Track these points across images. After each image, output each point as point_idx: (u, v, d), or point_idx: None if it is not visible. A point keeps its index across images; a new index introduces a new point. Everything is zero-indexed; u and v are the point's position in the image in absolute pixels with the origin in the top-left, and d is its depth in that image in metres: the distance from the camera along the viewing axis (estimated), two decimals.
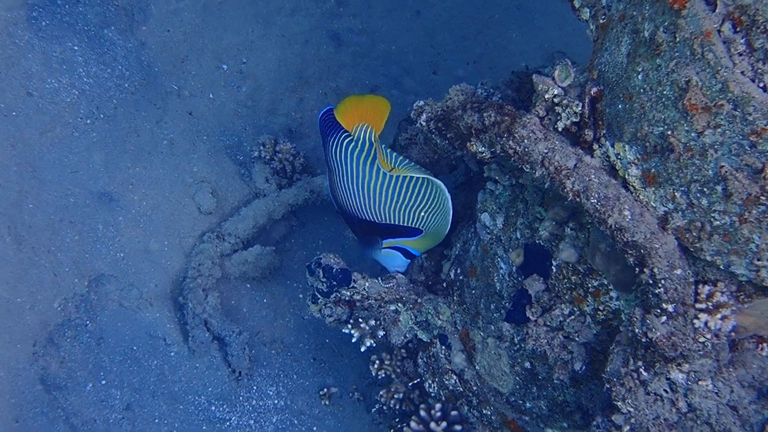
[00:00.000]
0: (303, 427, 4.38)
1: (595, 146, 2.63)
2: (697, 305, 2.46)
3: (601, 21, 2.67)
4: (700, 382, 2.55)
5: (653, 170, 2.41)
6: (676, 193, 2.36)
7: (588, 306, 2.89)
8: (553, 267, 2.98)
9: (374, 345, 3.66)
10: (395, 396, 3.88)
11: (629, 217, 2.44)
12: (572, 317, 2.95)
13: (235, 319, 4.53)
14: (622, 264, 2.64)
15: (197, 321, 4.34)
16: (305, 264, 3.68)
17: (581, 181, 2.53)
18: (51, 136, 4.38)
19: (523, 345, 3.17)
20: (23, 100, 4.33)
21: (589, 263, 2.83)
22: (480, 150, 2.89)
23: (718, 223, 2.28)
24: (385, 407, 3.97)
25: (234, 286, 4.62)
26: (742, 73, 2.13)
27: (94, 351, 4.27)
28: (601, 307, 2.85)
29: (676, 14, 2.22)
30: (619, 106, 2.49)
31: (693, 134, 2.24)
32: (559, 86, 2.72)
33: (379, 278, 3.61)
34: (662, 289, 2.43)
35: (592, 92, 2.64)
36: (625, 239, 2.46)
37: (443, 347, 3.57)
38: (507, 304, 3.22)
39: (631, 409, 2.63)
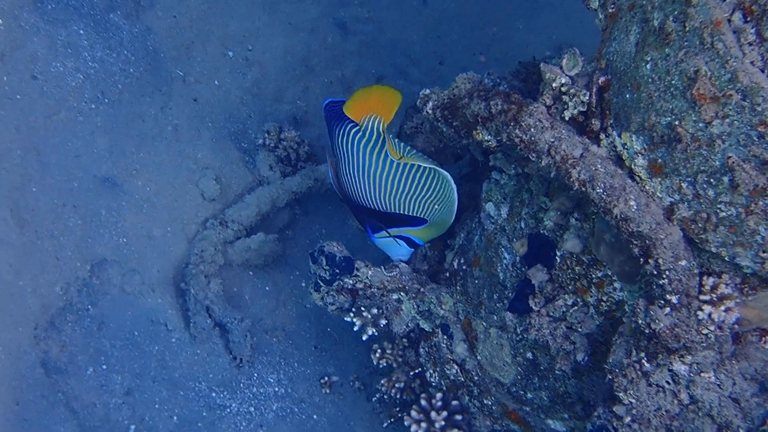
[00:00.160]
0: (303, 414, 4.38)
1: (602, 136, 2.62)
2: (701, 297, 2.45)
3: (610, 10, 2.65)
4: (702, 374, 2.54)
5: (660, 160, 2.40)
6: (682, 184, 2.35)
7: (591, 297, 2.88)
8: (557, 257, 2.97)
9: (376, 334, 3.66)
10: (396, 385, 3.88)
11: (635, 207, 2.44)
12: (575, 308, 2.95)
13: (237, 306, 4.53)
14: (627, 255, 2.63)
15: (199, 307, 4.33)
16: (308, 252, 3.68)
17: (587, 171, 2.52)
18: (55, 120, 4.36)
19: (525, 335, 3.16)
20: (28, 84, 4.31)
21: (593, 254, 2.82)
22: (486, 138, 2.88)
23: (724, 214, 2.28)
24: (385, 396, 3.96)
25: (236, 273, 4.61)
26: (752, 63, 2.12)
27: (96, 336, 4.27)
28: (604, 298, 2.85)
29: (686, 3, 2.21)
30: (627, 96, 2.48)
31: (701, 124, 2.23)
32: (566, 75, 2.71)
33: (382, 267, 3.61)
34: (666, 280, 2.42)
35: (599, 81, 2.63)
36: (630, 229, 2.45)
37: (445, 337, 3.57)
38: (510, 294, 3.21)
39: (633, 401, 2.63)
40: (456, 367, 3.56)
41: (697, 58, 2.20)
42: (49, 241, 4.21)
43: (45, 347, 4.14)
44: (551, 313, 3.02)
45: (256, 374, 4.43)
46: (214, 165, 4.67)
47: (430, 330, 3.64)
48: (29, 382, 4.04)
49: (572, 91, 2.68)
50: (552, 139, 2.61)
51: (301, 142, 4.75)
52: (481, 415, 3.58)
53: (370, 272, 3.56)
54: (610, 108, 2.59)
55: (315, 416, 4.38)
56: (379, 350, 3.87)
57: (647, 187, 2.46)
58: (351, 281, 3.56)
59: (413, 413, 3.59)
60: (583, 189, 2.54)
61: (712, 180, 2.27)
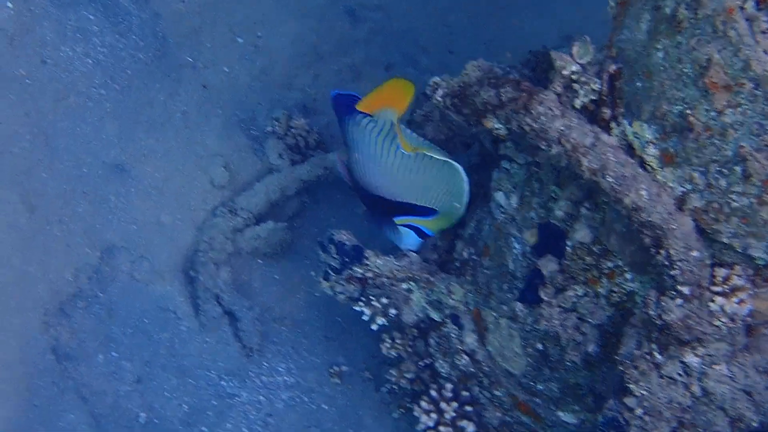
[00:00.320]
0: (313, 404, 4.37)
1: (613, 125, 2.60)
2: (713, 288, 2.44)
3: None
4: (714, 366, 2.52)
5: (671, 150, 2.38)
6: (694, 174, 2.33)
7: (602, 287, 2.86)
8: (567, 247, 2.95)
9: (386, 323, 3.65)
10: (406, 375, 3.87)
11: (646, 196, 2.42)
12: (586, 298, 2.93)
13: (246, 294, 4.51)
14: (638, 245, 2.60)
15: (208, 295, 4.33)
16: (317, 240, 3.66)
17: (598, 160, 2.50)
18: (64, 105, 4.35)
19: (535, 326, 3.14)
20: (38, 68, 4.29)
21: (604, 244, 2.80)
22: (496, 126, 2.85)
23: (736, 204, 2.26)
24: (395, 386, 3.96)
25: (246, 262, 4.60)
26: (765, 51, 2.09)
27: (105, 322, 4.26)
28: (615, 289, 2.83)
29: None
30: (638, 84, 2.46)
31: (713, 113, 2.21)
32: (577, 63, 2.69)
33: (392, 256, 3.59)
34: (678, 270, 2.40)
35: (610, 70, 2.61)
36: (641, 219, 2.43)
37: (455, 327, 3.55)
38: (520, 284, 3.19)
39: (644, 392, 2.61)
40: (466, 357, 3.55)
41: (709, 46, 2.17)
42: (59, 226, 4.20)
43: (55, 333, 4.13)
44: (562, 304, 3.00)
45: (265, 363, 4.42)
46: (223, 152, 4.66)
47: (440, 320, 3.63)
48: (39, 369, 4.04)
49: (583, 79, 2.66)
50: (562, 128, 2.58)
51: (311, 130, 4.73)
52: (491, 407, 3.57)
53: (379, 261, 3.54)
54: (622, 96, 2.57)
55: (325, 406, 4.37)
56: (388, 340, 3.86)
57: (659, 177, 2.44)
58: (360, 270, 3.55)
59: (423, 404, 3.59)
60: (594, 178, 2.52)
61: (724, 170, 2.25)
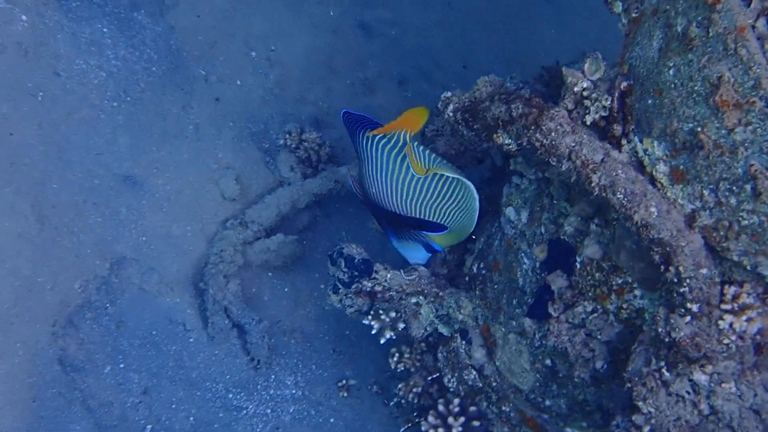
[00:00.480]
0: (320, 418, 4.37)
1: (624, 141, 2.60)
2: (723, 306, 2.43)
3: (633, 15, 2.63)
4: (723, 385, 2.51)
5: (682, 167, 2.37)
6: (704, 191, 2.33)
7: (611, 304, 2.86)
8: (577, 263, 2.95)
9: (394, 337, 3.64)
10: (414, 390, 3.87)
11: (656, 213, 2.41)
12: (595, 315, 2.92)
13: (256, 307, 4.52)
14: (647, 262, 2.60)
15: (217, 307, 4.33)
16: (327, 253, 3.67)
17: (608, 176, 2.50)
18: (77, 117, 4.37)
19: (544, 341, 3.14)
20: (51, 81, 4.32)
21: (613, 260, 2.79)
22: (506, 142, 2.85)
23: (746, 222, 2.25)
24: (403, 401, 3.96)
25: (255, 274, 4.61)
26: None
27: (114, 334, 4.27)
28: (624, 306, 2.82)
29: (710, 9, 2.19)
30: (649, 101, 2.46)
31: (723, 131, 2.21)
32: (588, 79, 2.69)
33: (402, 270, 3.59)
34: (687, 288, 2.39)
35: (622, 86, 2.61)
36: (650, 236, 2.43)
37: (464, 342, 3.55)
38: (529, 299, 3.19)
39: (652, 410, 2.60)
40: (474, 372, 3.54)
41: (720, 64, 2.17)
42: (69, 237, 4.21)
43: (63, 344, 4.13)
44: (570, 320, 3.00)
45: (273, 376, 4.42)
46: (234, 165, 4.68)
47: (449, 335, 3.62)
48: (46, 379, 4.04)
49: (594, 95, 2.66)
50: (573, 144, 2.58)
51: (323, 144, 4.74)
52: (498, 422, 3.56)
53: (389, 275, 3.54)
54: (632, 113, 2.57)
55: (332, 419, 4.37)
56: (397, 354, 3.86)
57: (668, 194, 2.44)
58: (369, 284, 3.54)
59: (430, 418, 3.58)
60: (604, 194, 2.51)
61: (734, 188, 2.24)
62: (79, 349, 4.18)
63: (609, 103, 2.64)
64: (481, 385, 3.54)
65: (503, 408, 3.50)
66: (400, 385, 3.92)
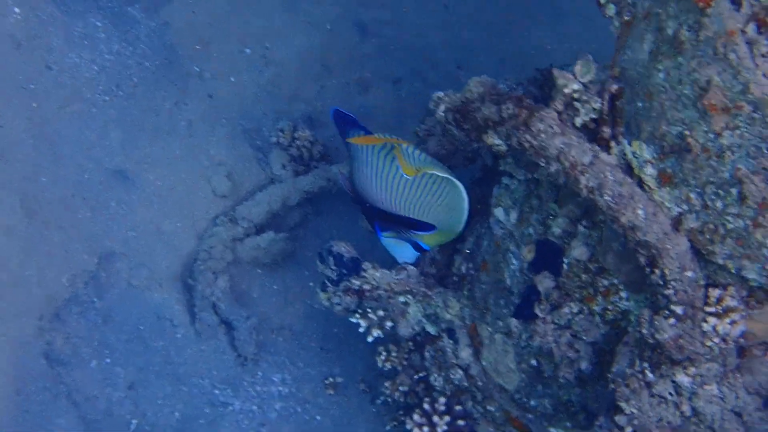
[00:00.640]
0: (307, 415, 4.37)
1: (612, 144, 2.61)
2: (707, 308, 2.44)
3: (625, 18, 2.64)
4: (705, 387, 2.53)
5: (669, 170, 2.39)
6: (690, 194, 2.34)
7: (597, 305, 2.87)
8: (564, 264, 2.96)
9: (382, 336, 3.65)
10: (400, 388, 3.87)
11: (642, 216, 2.42)
12: (581, 316, 2.93)
13: (245, 304, 4.52)
14: (634, 264, 2.61)
15: (205, 304, 4.33)
16: (316, 251, 3.67)
17: (596, 178, 2.51)
18: (69, 111, 4.36)
19: (530, 342, 3.15)
20: (43, 74, 4.31)
21: (600, 262, 2.81)
22: (496, 143, 2.86)
23: (731, 226, 2.26)
24: (390, 399, 3.96)
25: (245, 271, 4.61)
26: (765, 75, 2.10)
27: (101, 328, 4.26)
28: (610, 307, 2.83)
29: (700, 12, 2.19)
30: (639, 104, 2.47)
31: (711, 135, 2.22)
32: (579, 81, 2.70)
33: (390, 269, 3.60)
34: (672, 290, 2.40)
35: (612, 89, 2.62)
36: (637, 238, 2.44)
37: (450, 341, 3.56)
38: (516, 300, 3.20)
39: (635, 410, 2.61)
40: (461, 372, 3.55)
41: (709, 68, 2.18)
42: (58, 232, 4.20)
43: (49, 338, 4.12)
44: (556, 321, 3.01)
45: (260, 373, 4.42)
46: (226, 162, 4.67)
47: (436, 334, 3.63)
48: (32, 373, 4.03)
49: (584, 97, 2.66)
50: (562, 145, 2.59)
51: (315, 142, 4.74)
52: (484, 421, 3.57)
53: (377, 274, 3.54)
54: (622, 116, 2.58)
55: (318, 417, 4.36)
56: (384, 353, 3.86)
57: (656, 197, 2.45)
58: (358, 282, 3.55)
59: (416, 417, 3.58)
60: (591, 196, 2.52)
61: (720, 191, 2.25)
62: (66, 344, 4.17)
63: (599, 105, 2.65)
64: (467, 384, 3.54)
65: (488, 407, 3.50)
66: (386, 384, 3.92)
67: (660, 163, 2.42)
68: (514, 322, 3.20)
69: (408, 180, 3.37)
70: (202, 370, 4.34)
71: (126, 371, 4.24)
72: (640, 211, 2.43)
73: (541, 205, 3.07)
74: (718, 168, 2.23)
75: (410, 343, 3.82)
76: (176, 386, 4.28)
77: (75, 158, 4.32)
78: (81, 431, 4.07)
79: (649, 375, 2.57)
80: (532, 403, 3.28)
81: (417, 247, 3.68)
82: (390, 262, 3.72)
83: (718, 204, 2.27)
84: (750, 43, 2.11)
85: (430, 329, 3.62)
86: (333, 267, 3.56)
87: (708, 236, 2.34)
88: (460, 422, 3.53)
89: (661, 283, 2.42)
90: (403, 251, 3.71)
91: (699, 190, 2.31)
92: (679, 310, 2.41)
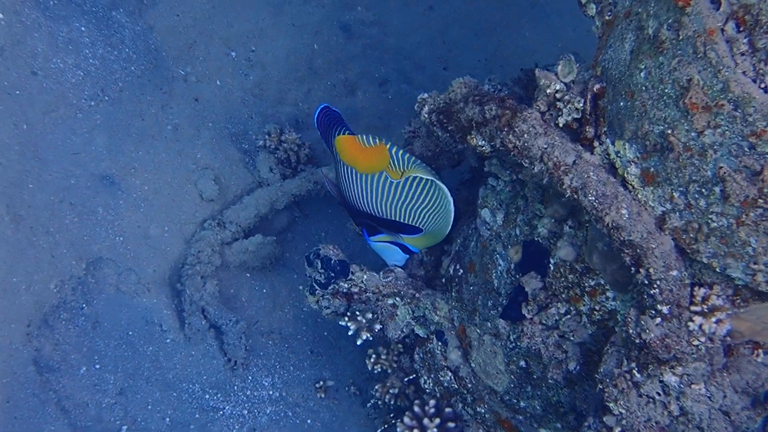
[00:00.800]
0: (297, 419, 4.36)
1: (596, 143, 2.60)
2: (692, 308, 2.43)
3: (606, 17, 2.64)
4: (693, 386, 2.52)
5: (652, 169, 2.38)
6: (674, 194, 2.33)
7: (584, 305, 2.86)
8: (550, 265, 2.95)
9: (371, 339, 3.64)
10: (390, 391, 3.87)
11: (626, 215, 2.42)
12: (568, 316, 2.93)
13: (234, 308, 4.52)
14: (619, 263, 2.61)
15: (194, 308, 4.32)
16: (304, 254, 3.66)
17: (579, 178, 2.50)
18: (54, 117, 4.35)
19: (518, 343, 3.14)
20: (27, 79, 4.30)
21: (586, 262, 2.80)
22: (480, 144, 2.86)
23: (715, 225, 2.26)
24: (380, 402, 3.96)
25: (233, 275, 4.61)
26: (744, 73, 2.10)
27: (90, 335, 4.25)
28: (597, 307, 2.83)
29: (680, 11, 2.19)
30: (621, 104, 2.46)
31: (693, 134, 2.21)
32: (561, 81, 2.70)
33: (378, 272, 3.59)
34: (657, 290, 2.40)
35: (594, 89, 2.61)
36: (621, 238, 2.43)
37: (439, 343, 3.55)
38: (504, 301, 3.19)
39: (623, 411, 2.60)
40: (450, 374, 3.55)
41: (690, 66, 2.17)
42: (45, 238, 4.20)
43: (38, 345, 4.12)
44: (544, 321, 3.00)
45: (250, 377, 4.42)
46: (213, 165, 4.67)
47: (425, 336, 3.62)
48: (21, 380, 4.03)
49: (567, 97, 2.66)
50: (545, 146, 2.59)
51: (302, 145, 4.74)
52: (474, 423, 3.56)
53: (365, 276, 3.54)
54: (605, 115, 2.57)
55: (309, 421, 4.36)
56: (374, 355, 3.86)
57: (639, 196, 2.44)
58: (346, 285, 3.54)
59: (406, 419, 3.58)
60: (575, 196, 2.52)
61: (703, 190, 2.25)
62: (55, 350, 4.17)
63: (582, 105, 2.64)
64: (456, 386, 3.54)
65: (478, 409, 3.50)
66: (377, 386, 3.92)
67: (643, 163, 2.41)
68: (502, 324, 3.19)
69: (393, 183, 3.36)
70: (191, 375, 4.33)
71: (115, 377, 4.23)
72: (624, 211, 2.42)
73: (527, 206, 3.07)
74: (701, 167, 2.23)
75: (400, 346, 3.82)
76: (166, 391, 4.28)
77: (61, 163, 4.31)
78: None
79: (637, 375, 2.56)
80: (522, 404, 3.28)
81: (405, 249, 3.68)
82: (378, 265, 3.71)
83: (702, 203, 2.26)
84: (729, 42, 2.11)
85: (419, 331, 3.61)
86: (321, 270, 3.55)
87: (692, 235, 2.33)
88: (450, 424, 3.53)
89: (646, 282, 2.42)
90: (392, 254, 3.71)
91: (682, 189, 2.31)
92: (664, 309, 2.41)
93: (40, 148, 4.27)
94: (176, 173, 4.59)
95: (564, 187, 2.54)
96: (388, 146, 3.32)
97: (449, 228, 3.49)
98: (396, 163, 3.35)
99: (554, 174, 2.56)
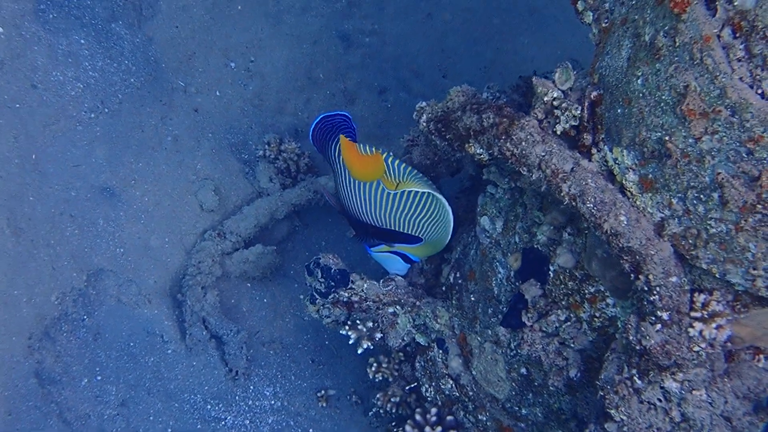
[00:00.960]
0: (299, 428, 4.36)
1: (594, 150, 2.60)
2: (692, 314, 2.43)
3: (603, 25, 2.64)
4: (694, 392, 2.52)
5: (650, 176, 2.38)
6: (672, 200, 2.33)
7: (584, 312, 2.86)
8: (550, 272, 2.95)
9: (372, 347, 3.64)
10: (392, 399, 3.87)
11: (625, 222, 2.42)
12: (568, 323, 2.93)
13: (235, 318, 4.52)
14: (618, 270, 2.61)
15: (195, 319, 4.32)
16: (304, 264, 3.66)
17: (578, 185, 2.51)
18: (54, 129, 4.36)
19: (518, 350, 3.14)
20: (27, 92, 4.31)
21: (585, 269, 2.80)
22: (478, 152, 2.86)
23: (714, 230, 2.26)
24: (381, 410, 3.95)
25: (234, 285, 4.60)
26: (741, 79, 2.10)
27: (91, 346, 4.26)
28: (597, 314, 2.83)
29: (676, 18, 2.20)
30: (619, 111, 2.46)
31: (690, 140, 2.21)
32: (559, 89, 2.70)
33: (378, 280, 3.59)
34: (657, 296, 2.40)
35: (592, 96, 2.62)
36: (620, 245, 2.43)
37: (440, 351, 3.55)
38: (504, 308, 3.19)
39: (624, 417, 2.60)
40: (451, 381, 3.55)
41: (686, 73, 2.18)
42: (46, 250, 4.20)
43: (39, 357, 4.12)
44: (544, 329, 3.00)
45: (252, 387, 4.42)
46: (213, 176, 4.67)
47: (426, 344, 3.63)
48: (22, 393, 4.03)
49: (564, 105, 2.66)
50: (543, 153, 2.59)
51: (302, 154, 4.74)
52: (475, 431, 3.56)
53: (365, 285, 3.54)
54: (602, 122, 2.57)
55: (311, 430, 4.36)
56: (375, 364, 3.86)
57: (638, 203, 2.44)
58: (346, 294, 3.54)
59: (408, 428, 3.58)
60: (574, 203, 2.52)
61: (702, 196, 2.25)
62: (56, 362, 4.17)
63: (579, 112, 2.64)
64: (457, 394, 3.54)
65: (480, 417, 3.50)
66: (378, 395, 3.92)
67: (641, 169, 2.41)
68: (502, 331, 3.19)
69: (391, 194, 3.36)
70: (193, 386, 4.33)
71: (117, 388, 4.23)
72: (622, 218, 2.42)
73: (526, 214, 3.07)
74: (699, 173, 2.23)
75: (401, 354, 3.82)
76: (168, 402, 4.28)
77: (61, 176, 4.32)
78: None
79: (638, 381, 2.56)
80: (524, 411, 3.28)
81: (406, 258, 3.68)
82: (378, 274, 3.71)
83: (700, 209, 2.27)
84: (726, 48, 2.11)
85: (420, 339, 3.61)
86: (321, 279, 3.55)
87: (691, 241, 2.33)
88: None
89: (646, 289, 2.42)
90: (393, 263, 3.71)
91: (681, 195, 2.31)
92: (664, 315, 2.41)
93: (41, 161, 4.27)
94: (176, 184, 4.59)
95: (562, 194, 2.54)
96: (384, 156, 3.32)
97: (449, 237, 3.49)
98: (392, 173, 3.35)
99: (552, 181, 2.56)
